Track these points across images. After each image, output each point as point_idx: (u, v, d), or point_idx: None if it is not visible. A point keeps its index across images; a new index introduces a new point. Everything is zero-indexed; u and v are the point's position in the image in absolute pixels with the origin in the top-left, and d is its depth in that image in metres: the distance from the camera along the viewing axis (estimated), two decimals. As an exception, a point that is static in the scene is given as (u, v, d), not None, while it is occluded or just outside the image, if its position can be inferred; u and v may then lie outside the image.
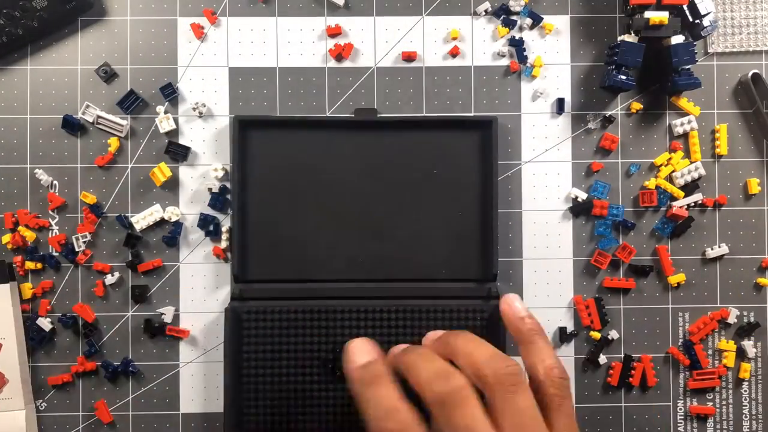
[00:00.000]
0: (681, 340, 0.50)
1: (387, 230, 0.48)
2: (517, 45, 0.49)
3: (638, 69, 0.48)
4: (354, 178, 0.48)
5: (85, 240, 0.48)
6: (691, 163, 0.49)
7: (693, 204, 0.49)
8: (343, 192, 0.48)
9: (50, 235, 0.49)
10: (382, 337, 0.46)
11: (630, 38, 0.47)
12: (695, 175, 0.49)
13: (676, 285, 0.49)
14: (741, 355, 0.50)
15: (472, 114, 0.49)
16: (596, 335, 0.49)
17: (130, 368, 0.48)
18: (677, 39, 0.47)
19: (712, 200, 0.49)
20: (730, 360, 0.49)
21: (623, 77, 0.47)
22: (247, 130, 0.48)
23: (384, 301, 0.47)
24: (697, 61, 0.48)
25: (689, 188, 0.49)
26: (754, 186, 0.49)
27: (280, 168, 0.48)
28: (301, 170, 0.48)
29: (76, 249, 0.48)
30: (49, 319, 0.48)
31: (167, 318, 0.48)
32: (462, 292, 0.48)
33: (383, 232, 0.48)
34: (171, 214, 0.48)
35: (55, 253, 0.49)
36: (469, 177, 0.48)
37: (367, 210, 0.48)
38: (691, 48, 0.47)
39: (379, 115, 0.49)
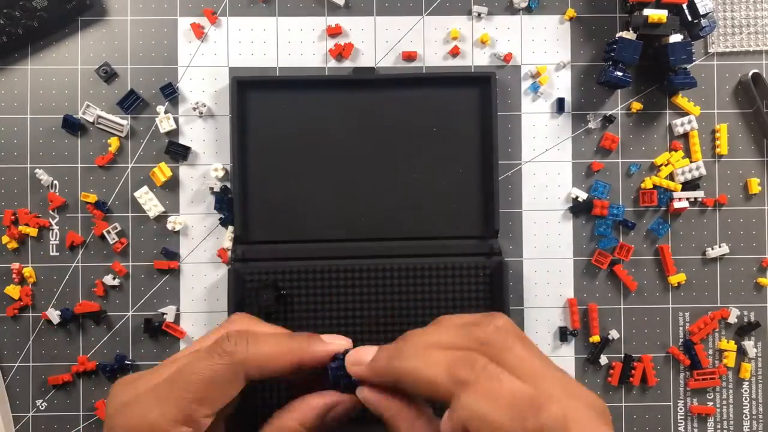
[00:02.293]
0: (681, 340, 0.50)
1: (387, 189, 0.48)
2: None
3: (636, 67, 0.48)
4: (354, 138, 0.48)
5: (116, 231, 0.48)
6: (692, 162, 0.49)
7: (693, 200, 0.49)
8: (343, 151, 0.48)
9: (51, 235, 0.49)
10: (385, 295, 0.47)
11: (628, 35, 0.47)
12: (696, 174, 0.49)
13: (676, 285, 0.49)
14: (741, 355, 0.50)
15: (471, 71, 0.49)
16: (596, 338, 0.49)
17: (126, 362, 0.48)
18: (675, 38, 0.47)
19: (712, 200, 0.49)
20: (730, 360, 0.49)
21: (620, 73, 0.47)
22: (245, 91, 0.48)
23: (386, 259, 0.47)
24: (694, 60, 0.48)
25: (690, 185, 0.49)
26: (755, 186, 0.49)
27: (279, 129, 0.48)
28: (300, 130, 0.48)
29: (110, 241, 0.48)
30: (58, 312, 0.48)
31: (169, 317, 0.48)
32: (464, 249, 0.48)
33: (384, 190, 0.48)
34: (174, 223, 0.48)
35: (54, 253, 0.49)
36: (469, 134, 0.48)
37: (367, 169, 0.48)
38: (688, 47, 0.46)
39: (377, 73, 0.49)
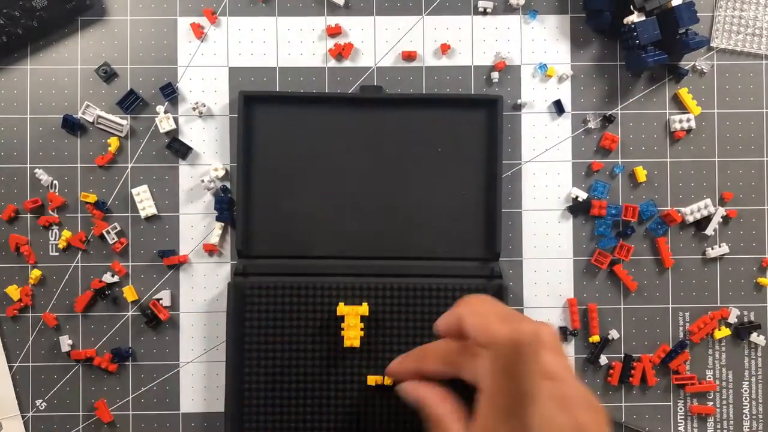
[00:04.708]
0: (680, 340, 0.50)
1: (390, 208, 0.48)
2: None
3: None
4: (358, 156, 0.48)
5: (115, 231, 0.48)
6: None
7: (698, 210, 0.49)
8: (347, 169, 0.48)
9: (50, 235, 0.49)
10: (384, 314, 0.47)
11: (638, 17, 0.47)
12: (705, 212, 0.49)
13: (670, 267, 0.49)
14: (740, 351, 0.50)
15: (478, 93, 0.49)
16: (595, 338, 0.49)
17: (125, 352, 0.48)
18: (677, 0, 0.47)
19: (735, 211, 0.49)
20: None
21: (655, 57, 0.47)
22: (252, 107, 0.48)
23: (387, 278, 0.47)
24: (699, 20, 0.47)
25: (701, 225, 0.49)
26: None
27: (284, 144, 0.48)
28: (305, 147, 0.48)
29: (109, 242, 0.48)
30: (55, 315, 0.48)
31: (165, 302, 0.48)
32: (465, 271, 0.48)
33: (387, 209, 0.48)
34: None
35: (54, 253, 0.49)
36: (474, 156, 0.48)
37: (370, 187, 0.48)
38: (692, 8, 0.47)
39: (384, 92, 0.49)
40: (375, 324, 0.47)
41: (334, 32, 0.49)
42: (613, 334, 0.49)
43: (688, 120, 0.49)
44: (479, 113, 0.48)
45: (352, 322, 0.46)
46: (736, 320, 0.49)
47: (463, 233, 0.48)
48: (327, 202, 0.48)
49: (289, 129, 0.48)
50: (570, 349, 0.49)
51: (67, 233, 0.48)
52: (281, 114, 0.48)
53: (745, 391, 0.50)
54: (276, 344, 0.47)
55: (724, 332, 0.49)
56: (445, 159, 0.48)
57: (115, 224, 0.49)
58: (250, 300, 0.47)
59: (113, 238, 0.48)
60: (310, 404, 0.46)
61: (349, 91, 0.49)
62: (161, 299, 0.48)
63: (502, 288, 0.47)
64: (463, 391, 0.35)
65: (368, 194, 0.48)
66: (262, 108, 0.48)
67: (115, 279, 0.48)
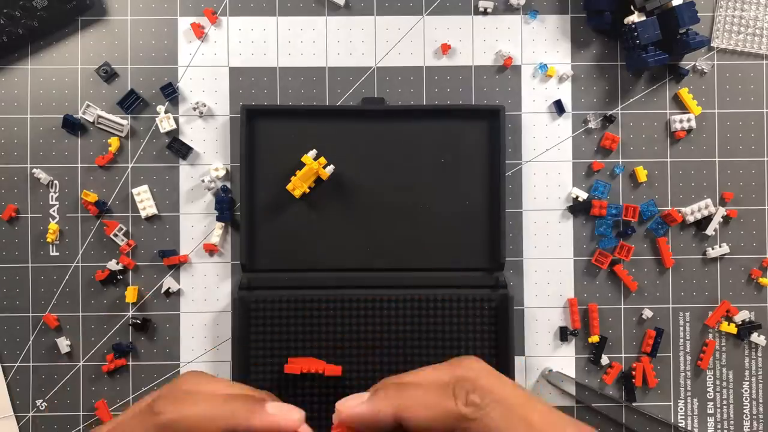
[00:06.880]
0: (681, 340, 0.50)
1: (394, 219, 0.48)
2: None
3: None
4: (361, 168, 0.48)
5: (122, 232, 0.48)
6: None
7: (699, 210, 0.49)
8: (350, 181, 0.48)
9: (48, 236, 0.49)
10: (389, 326, 0.47)
11: (639, 17, 0.47)
12: (705, 212, 0.49)
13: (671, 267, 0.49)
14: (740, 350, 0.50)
15: (479, 104, 0.49)
16: (595, 339, 0.49)
17: (126, 347, 0.48)
18: (678, 0, 0.47)
19: (735, 211, 0.49)
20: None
21: (655, 57, 0.47)
22: (255, 120, 0.48)
23: (392, 290, 0.47)
24: (699, 19, 0.47)
25: (702, 225, 0.49)
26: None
27: (287, 158, 0.48)
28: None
29: (119, 243, 0.48)
30: (55, 316, 0.48)
31: (171, 289, 0.49)
32: (470, 281, 0.48)
33: (390, 221, 0.48)
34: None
35: (54, 253, 0.49)
36: (477, 166, 0.48)
37: (374, 199, 0.48)
38: (693, 7, 0.47)
39: (386, 104, 0.49)
40: (380, 336, 0.47)
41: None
42: (614, 334, 0.49)
43: (689, 120, 0.49)
44: (481, 123, 0.48)
45: None
46: (741, 322, 0.49)
47: (467, 243, 0.48)
48: (332, 214, 0.48)
49: (292, 141, 0.48)
50: (570, 349, 0.49)
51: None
52: (284, 126, 0.48)
53: (745, 391, 0.50)
54: (282, 357, 0.47)
55: (731, 328, 0.49)
56: (448, 169, 0.48)
57: (121, 225, 0.48)
58: (255, 314, 0.47)
59: (122, 240, 0.48)
60: (317, 417, 0.46)
61: (350, 101, 0.49)
62: (168, 288, 0.48)
63: (508, 298, 0.47)
64: None
65: (371, 206, 0.48)
66: (265, 121, 0.48)
67: (120, 267, 0.48)
